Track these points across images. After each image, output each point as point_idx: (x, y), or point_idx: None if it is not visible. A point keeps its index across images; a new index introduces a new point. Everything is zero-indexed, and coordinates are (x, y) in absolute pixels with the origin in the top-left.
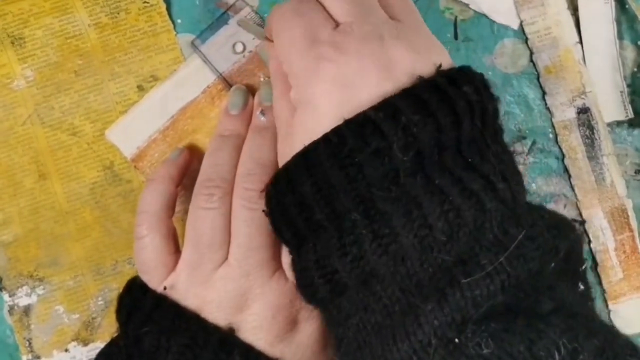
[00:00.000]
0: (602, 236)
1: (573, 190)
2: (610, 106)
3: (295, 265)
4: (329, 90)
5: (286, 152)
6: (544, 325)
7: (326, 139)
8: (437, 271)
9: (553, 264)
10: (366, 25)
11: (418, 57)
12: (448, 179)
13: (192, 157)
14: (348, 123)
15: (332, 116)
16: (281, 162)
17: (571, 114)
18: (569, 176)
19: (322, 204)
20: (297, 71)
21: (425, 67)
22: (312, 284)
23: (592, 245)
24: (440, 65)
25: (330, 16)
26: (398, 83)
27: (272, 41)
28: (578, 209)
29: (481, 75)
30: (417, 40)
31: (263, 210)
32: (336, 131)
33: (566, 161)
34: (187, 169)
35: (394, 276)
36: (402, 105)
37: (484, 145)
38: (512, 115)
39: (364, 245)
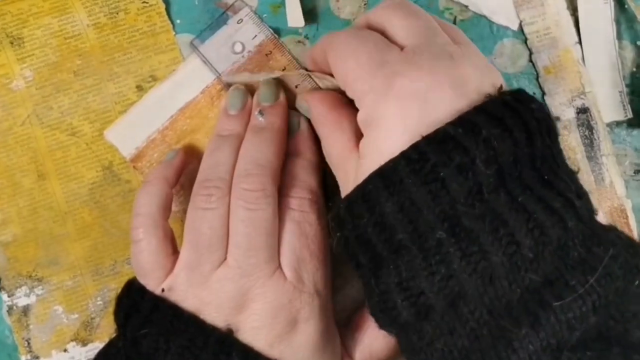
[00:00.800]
0: None
1: None
2: (609, 106)
3: (372, 289)
4: (402, 107)
5: (355, 176)
6: (638, 357)
7: (406, 156)
8: (525, 292)
9: (637, 282)
10: (434, 45)
11: (483, 76)
12: (530, 196)
13: (190, 158)
14: (427, 139)
15: (407, 133)
16: (346, 188)
17: (570, 114)
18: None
19: (405, 222)
20: (368, 90)
21: (489, 87)
22: (394, 308)
23: None
24: (501, 87)
25: (395, 42)
26: (470, 100)
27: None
28: None
29: (534, 97)
30: (479, 62)
31: (330, 238)
32: (416, 148)
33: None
34: (183, 170)
35: (482, 297)
36: (480, 121)
37: (554, 163)
38: None
39: (452, 264)
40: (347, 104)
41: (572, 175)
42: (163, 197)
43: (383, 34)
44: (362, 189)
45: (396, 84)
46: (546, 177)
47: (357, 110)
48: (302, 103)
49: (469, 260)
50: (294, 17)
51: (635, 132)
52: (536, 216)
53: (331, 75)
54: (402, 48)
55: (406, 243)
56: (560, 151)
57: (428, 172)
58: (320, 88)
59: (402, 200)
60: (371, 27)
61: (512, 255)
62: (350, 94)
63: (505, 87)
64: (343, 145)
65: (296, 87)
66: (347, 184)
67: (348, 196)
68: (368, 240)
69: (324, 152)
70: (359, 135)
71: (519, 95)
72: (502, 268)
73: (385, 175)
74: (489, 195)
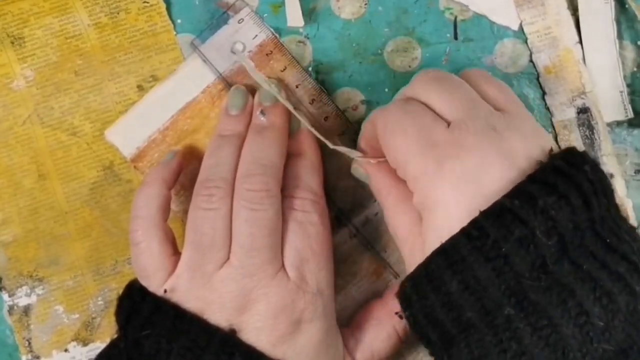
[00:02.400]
0: None
1: None
2: (610, 106)
3: None
4: (456, 187)
5: (418, 256)
6: None
7: (466, 233)
8: None
9: None
10: (477, 120)
11: (530, 142)
12: (594, 263)
13: (191, 158)
14: (485, 214)
15: (464, 211)
16: (411, 265)
17: (571, 113)
18: None
19: (472, 300)
20: (419, 174)
21: (538, 152)
22: None
23: None
24: (551, 149)
25: (438, 114)
26: (521, 170)
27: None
28: None
29: (586, 153)
30: (525, 127)
31: (397, 313)
32: (474, 224)
33: None
34: (181, 171)
35: None
36: (534, 191)
37: (614, 224)
38: None
39: (523, 339)
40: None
41: (632, 233)
42: (161, 198)
43: (425, 104)
44: (426, 268)
45: (447, 168)
46: (608, 240)
47: None
48: (358, 170)
49: (539, 335)
50: (294, 16)
51: (635, 131)
52: (602, 284)
53: (383, 156)
54: (447, 122)
55: (475, 321)
56: (617, 208)
57: (490, 248)
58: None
59: (467, 279)
60: (412, 99)
61: (583, 325)
62: (401, 175)
63: (555, 146)
64: (410, 222)
65: (297, 87)
66: (412, 260)
67: (413, 275)
68: (437, 319)
69: (388, 223)
70: (419, 215)
71: (569, 157)
72: (574, 340)
73: (448, 253)
74: (553, 266)
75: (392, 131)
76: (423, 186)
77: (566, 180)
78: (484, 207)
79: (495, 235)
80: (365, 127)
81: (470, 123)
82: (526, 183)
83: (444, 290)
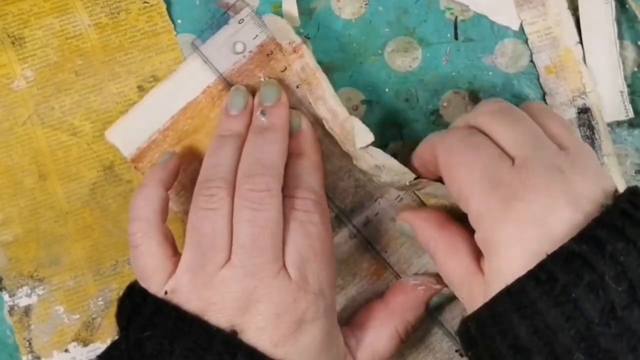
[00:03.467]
0: None
1: None
2: (610, 106)
3: None
4: (521, 229)
5: (478, 297)
6: None
7: (533, 275)
8: None
9: None
10: (542, 159)
11: (594, 184)
12: None
13: (191, 159)
14: (554, 258)
15: (530, 254)
16: (472, 307)
17: (571, 114)
18: None
19: (541, 345)
20: (483, 213)
21: (602, 194)
22: None
23: None
24: (615, 190)
25: (501, 149)
26: (586, 213)
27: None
28: None
29: None
30: (588, 168)
31: (457, 351)
32: (543, 267)
33: None
34: (178, 172)
35: None
36: (602, 235)
37: None
38: None
39: None
40: (453, 221)
41: None
42: (159, 200)
43: (488, 136)
44: (492, 310)
45: (513, 208)
46: None
47: (465, 225)
48: (403, 226)
49: None
50: (291, 16)
51: (636, 132)
52: None
53: (435, 179)
54: (511, 157)
55: None
56: None
57: (559, 293)
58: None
59: (536, 323)
60: (475, 129)
61: None
62: (463, 208)
63: (614, 186)
64: (464, 267)
65: (297, 87)
66: (472, 301)
67: (477, 315)
68: None
69: (439, 271)
70: (475, 252)
71: (635, 198)
72: None
73: (515, 296)
74: (623, 311)
75: (456, 163)
76: (487, 226)
77: (633, 224)
78: (548, 250)
79: (565, 280)
80: (422, 149)
81: (535, 162)
82: (594, 227)
83: (511, 333)
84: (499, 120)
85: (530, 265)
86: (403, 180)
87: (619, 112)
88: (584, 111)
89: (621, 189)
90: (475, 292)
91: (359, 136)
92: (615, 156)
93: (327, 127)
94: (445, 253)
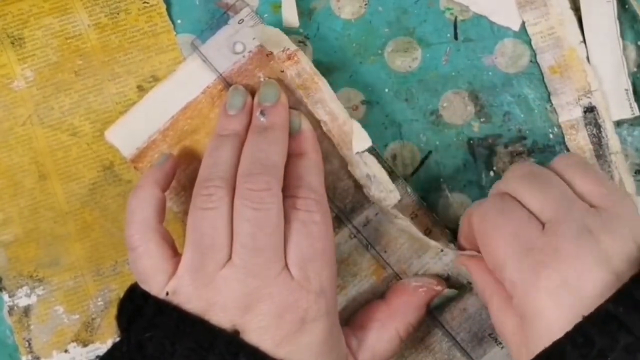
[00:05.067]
0: None
1: None
2: (615, 105)
3: None
4: (554, 296)
5: (524, 358)
6: None
7: (570, 339)
8: None
9: None
10: (572, 221)
11: (625, 242)
12: None
13: (191, 159)
14: (590, 321)
15: (564, 320)
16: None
17: (577, 113)
18: None
19: None
20: (516, 281)
21: (635, 250)
22: None
23: None
24: None
25: (532, 213)
26: (620, 273)
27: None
28: None
29: None
30: (621, 226)
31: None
32: (579, 330)
33: None
34: (175, 173)
35: None
36: (637, 295)
37: None
38: (512, 116)
39: None
40: None
41: None
42: (155, 201)
43: (519, 201)
44: None
45: (543, 276)
46: None
47: None
48: (462, 269)
49: None
50: (290, 17)
51: (636, 132)
52: None
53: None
54: (541, 222)
55: None
56: None
57: (596, 356)
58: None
59: None
60: (506, 195)
61: None
62: (499, 277)
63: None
64: (516, 322)
65: (296, 87)
66: (520, 356)
67: None
68: None
69: (493, 321)
70: None
71: None
72: None
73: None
74: None
75: (488, 232)
76: (521, 293)
77: None
78: (583, 312)
79: (602, 343)
80: (463, 222)
81: (565, 225)
82: (629, 286)
83: None
84: (528, 184)
85: (567, 329)
86: (388, 200)
87: (624, 110)
88: (589, 110)
89: (628, 187)
90: (522, 353)
91: (357, 140)
92: (623, 154)
93: (325, 129)
94: (499, 306)
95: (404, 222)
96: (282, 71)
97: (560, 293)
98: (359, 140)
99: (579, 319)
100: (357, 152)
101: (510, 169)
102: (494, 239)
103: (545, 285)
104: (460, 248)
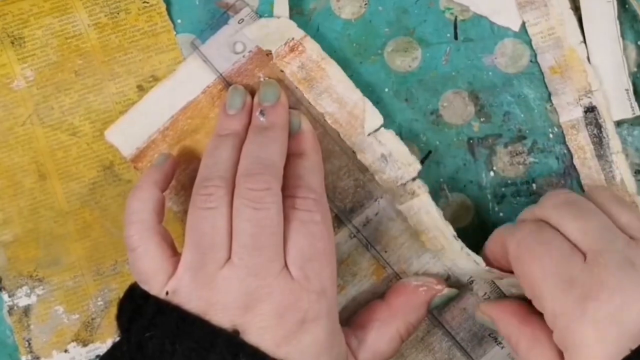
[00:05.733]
0: None
1: (582, 190)
2: (616, 104)
3: None
4: (598, 329)
5: None
6: None
7: None
8: None
9: None
10: (615, 253)
11: None
12: None
13: (191, 159)
14: (637, 354)
15: (610, 352)
16: None
17: (578, 113)
18: (578, 176)
19: None
20: (558, 313)
21: None
22: None
23: None
24: None
25: (572, 242)
26: None
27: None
28: None
29: None
30: None
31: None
32: None
33: (575, 161)
34: (174, 173)
35: None
36: None
37: None
38: (512, 115)
39: None
40: (535, 313)
41: None
42: (154, 201)
43: (557, 229)
44: None
45: (589, 309)
46: None
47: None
48: (483, 318)
49: None
50: (281, 10)
51: (636, 132)
52: None
53: (510, 271)
54: (582, 252)
55: None
56: None
57: None
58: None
59: None
60: (543, 222)
61: None
62: (537, 306)
63: None
64: (552, 356)
65: (296, 87)
66: None
67: None
68: None
69: None
70: (558, 348)
71: None
72: None
73: None
74: None
75: (527, 261)
76: (563, 326)
77: None
78: (630, 345)
79: None
80: (492, 243)
81: (607, 257)
82: None
83: None
84: (568, 213)
85: None
86: (408, 174)
87: (625, 110)
88: (590, 110)
89: (630, 187)
90: None
91: (368, 119)
92: (624, 154)
93: (330, 121)
94: (527, 349)
95: (426, 199)
96: (282, 71)
97: (606, 326)
98: (372, 118)
99: (626, 352)
100: (370, 133)
101: (548, 195)
102: (533, 269)
103: (589, 318)
104: (487, 262)
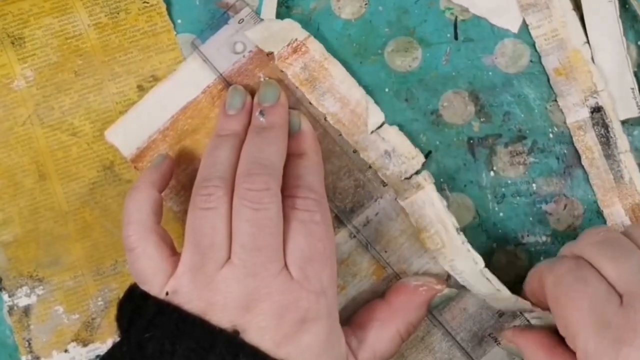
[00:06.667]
0: None
1: (592, 189)
2: (621, 104)
3: None
4: None
5: None
6: None
7: None
8: None
9: None
10: None
11: None
12: None
13: (191, 159)
14: None
15: None
16: None
17: (584, 114)
18: (578, 176)
19: None
20: (592, 354)
21: None
22: None
23: None
24: None
25: (609, 282)
26: None
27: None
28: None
29: None
30: None
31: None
32: None
33: (583, 161)
34: (172, 174)
35: None
36: None
37: None
38: (513, 115)
39: None
40: (562, 344)
41: None
42: (152, 202)
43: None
44: None
45: (622, 353)
46: None
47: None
48: (510, 346)
49: None
50: (268, 12)
51: (636, 132)
52: None
53: (547, 308)
54: (618, 293)
55: None
56: None
57: None
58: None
59: None
60: (582, 260)
61: None
62: (570, 344)
63: None
64: None
65: (296, 87)
66: None
67: None
68: None
69: None
70: None
71: None
72: None
73: None
74: None
75: (563, 299)
76: None
77: None
78: None
79: None
80: (532, 278)
81: None
82: None
83: None
84: (605, 253)
85: None
86: (412, 168)
87: (630, 109)
88: (597, 110)
89: (639, 186)
90: None
91: (372, 117)
92: (632, 152)
93: (332, 122)
94: None
95: (431, 190)
96: (282, 71)
97: None
98: (374, 116)
99: None
100: (373, 131)
101: (586, 233)
102: (569, 307)
103: None
104: (525, 298)
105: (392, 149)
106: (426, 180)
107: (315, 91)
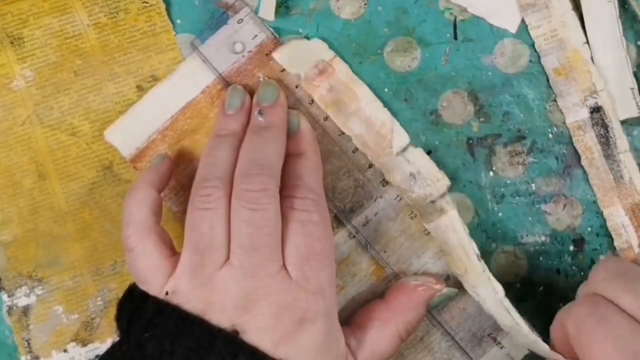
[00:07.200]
0: (624, 234)
1: (592, 190)
2: (621, 104)
3: None
4: None
5: None
6: None
7: None
8: None
9: None
10: None
11: None
12: None
13: (191, 159)
14: None
15: None
16: None
17: (584, 114)
18: (577, 176)
19: None
20: None
21: None
22: None
23: (615, 243)
24: None
25: (631, 315)
26: None
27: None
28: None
29: None
30: None
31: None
32: None
33: (583, 161)
34: (171, 174)
35: None
36: None
37: None
38: (512, 115)
39: None
40: None
41: None
42: (151, 202)
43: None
44: None
45: None
46: None
47: None
48: None
49: None
50: (267, 11)
51: (636, 132)
52: None
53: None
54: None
55: None
56: None
57: None
58: None
59: None
60: (599, 296)
61: None
62: None
63: None
64: None
65: (296, 87)
66: None
67: None
68: None
69: None
70: None
71: None
72: None
73: None
74: None
75: (586, 342)
76: None
77: None
78: None
79: None
80: (554, 328)
81: None
82: None
83: None
84: (620, 285)
85: None
86: (437, 191)
87: (630, 109)
88: (596, 110)
89: (639, 186)
90: None
91: (396, 138)
92: (631, 152)
93: (358, 144)
94: None
95: (454, 215)
96: (282, 70)
97: None
98: (399, 137)
99: None
100: (398, 153)
101: (597, 268)
102: (594, 350)
103: None
104: (554, 349)
105: (417, 172)
106: (449, 205)
107: (341, 114)
